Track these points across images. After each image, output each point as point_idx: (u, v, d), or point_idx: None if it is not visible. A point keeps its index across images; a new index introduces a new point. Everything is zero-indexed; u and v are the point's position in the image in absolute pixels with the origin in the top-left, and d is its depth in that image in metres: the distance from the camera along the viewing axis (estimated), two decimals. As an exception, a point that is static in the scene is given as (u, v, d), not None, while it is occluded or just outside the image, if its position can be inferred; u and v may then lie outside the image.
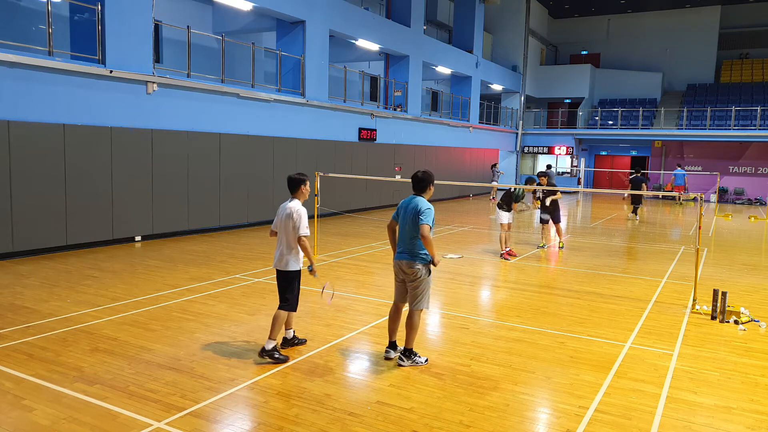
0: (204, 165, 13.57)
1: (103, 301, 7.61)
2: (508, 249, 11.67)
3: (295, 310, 5.85)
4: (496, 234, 15.21)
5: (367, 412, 4.63)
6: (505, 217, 11.57)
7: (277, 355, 5.61)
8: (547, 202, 12.66)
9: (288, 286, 5.74)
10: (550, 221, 12.95)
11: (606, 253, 12.51)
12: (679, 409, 4.82)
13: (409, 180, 5.91)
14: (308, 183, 5.87)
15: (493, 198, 26.43)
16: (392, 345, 5.77)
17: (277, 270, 5.79)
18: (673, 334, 6.87)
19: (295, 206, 5.67)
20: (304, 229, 5.58)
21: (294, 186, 5.80)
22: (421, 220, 5.36)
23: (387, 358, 5.72)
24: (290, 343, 6.04)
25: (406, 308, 5.72)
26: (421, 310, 5.57)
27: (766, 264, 11.86)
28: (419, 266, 5.45)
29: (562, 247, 12.98)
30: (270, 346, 5.61)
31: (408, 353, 5.58)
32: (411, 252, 5.48)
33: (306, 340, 6.21)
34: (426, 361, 5.64)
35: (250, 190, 14.85)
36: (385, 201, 21.03)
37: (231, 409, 4.65)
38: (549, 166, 25.78)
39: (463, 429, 4.39)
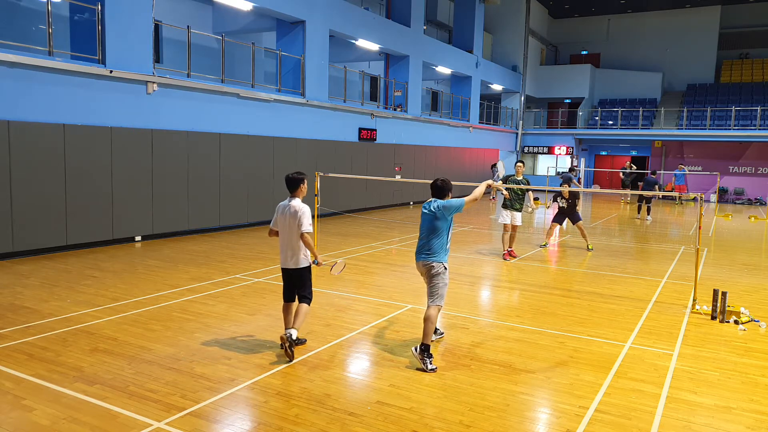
0: (204, 165, 13.56)
1: (103, 301, 7.61)
2: (509, 249, 11.60)
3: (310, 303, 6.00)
4: (496, 234, 15.22)
5: (367, 412, 4.63)
6: (506, 217, 11.43)
7: (291, 348, 5.62)
8: (578, 205, 12.81)
9: (305, 282, 5.93)
10: (567, 222, 12.89)
11: (606, 253, 12.50)
12: (679, 409, 4.82)
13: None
14: (306, 181, 5.99)
15: (493, 198, 26.42)
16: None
17: (287, 269, 5.91)
18: (673, 334, 6.87)
19: (299, 204, 5.82)
20: (307, 226, 5.76)
21: (294, 185, 5.89)
22: (453, 204, 5.74)
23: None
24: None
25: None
26: (439, 306, 5.78)
27: (766, 264, 11.86)
28: (435, 263, 5.75)
29: (591, 249, 12.71)
30: (296, 335, 5.69)
31: (424, 349, 5.59)
32: (429, 251, 5.78)
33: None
34: (433, 369, 5.49)
35: (250, 190, 14.86)
36: (385, 201, 21.04)
37: (231, 409, 4.65)
38: (572, 169, 25.09)
39: (463, 429, 4.39)
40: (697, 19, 33.85)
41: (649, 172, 21.25)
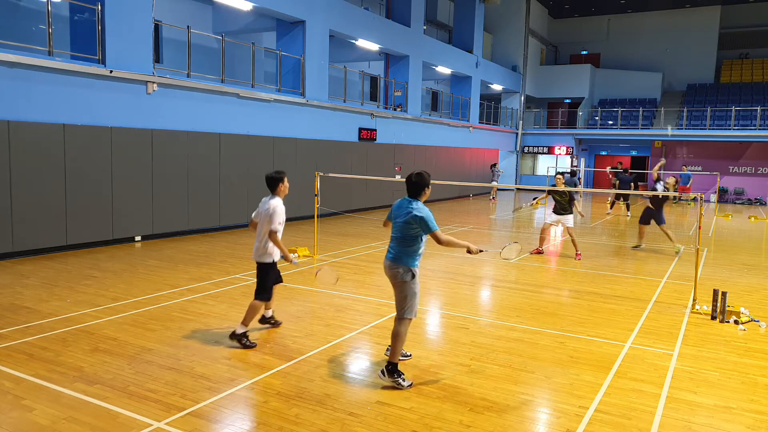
0: (204, 165, 13.56)
1: (103, 301, 7.61)
2: (544, 244, 12.29)
3: (269, 300, 6.29)
4: (495, 234, 15.23)
5: (367, 412, 4.63)
6: (551, 218, 12.12)
7: (245, 342, 5.96)
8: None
9: (264, 276, 6.13)
10: (651, 223, 13.00)
11: (606, 253, 12.51)
12: (679, 409, 4.82)
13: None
14: (286, 180, 6.16)
15: (493, 198, 26.41)
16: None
17: (256, 262, 6.19)
18: (673, 334, 6.87)
19: (274, 203, 6.00)
20: (275, 225, 5.93)
21: (273, 184, 6.08)
22: (430, 228, 4.95)
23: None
24: (267, 321, 6.58)
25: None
26: (409, 319, 5.09)
27: (766, 264, 11.86)
28: (400, 269, 5.05)
29: (679, 252, 12.57)
30: (241, 330, 6.01)
31: (391, 369, 5.06)
32: (396, 254, 5.11)
33: (281, 323, 6.67)
34: (410, 385, 5.03)
35: (250, 190, 14.85)
36: (385, 201, 21.03)
37: (231, 409, 4.65)
38: (574, 172, 25.02)
39: (463, 429, 4.39)
40: (697, 19, 33.85)
41: (620, 170, 22.17)
